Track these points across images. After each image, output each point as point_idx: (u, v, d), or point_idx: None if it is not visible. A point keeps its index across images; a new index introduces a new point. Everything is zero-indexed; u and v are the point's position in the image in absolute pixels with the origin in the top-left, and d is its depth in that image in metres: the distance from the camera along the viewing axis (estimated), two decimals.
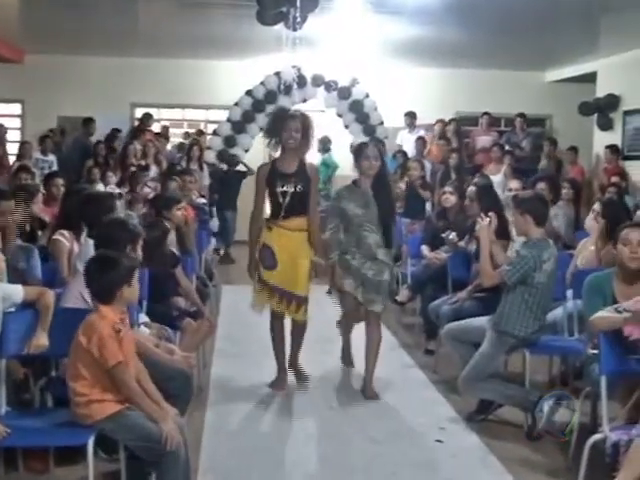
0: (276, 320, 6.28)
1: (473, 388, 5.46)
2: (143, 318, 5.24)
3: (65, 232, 5.72)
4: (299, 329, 6.34)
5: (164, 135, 14.53)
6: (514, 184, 8.95)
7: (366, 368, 6.20)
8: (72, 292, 4.68)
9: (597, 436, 4.08)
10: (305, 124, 5.99)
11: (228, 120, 13.51)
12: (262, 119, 13.30)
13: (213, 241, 10.52)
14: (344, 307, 6.37)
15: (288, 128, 5.91)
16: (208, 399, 5.96)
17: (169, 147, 14.56)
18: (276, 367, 6.34)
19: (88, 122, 13.82)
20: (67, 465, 4.44)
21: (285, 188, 5.94)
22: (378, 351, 6.21)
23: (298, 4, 8.42)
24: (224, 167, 13.27)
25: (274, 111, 6.50)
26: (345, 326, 6.78)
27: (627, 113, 13.31)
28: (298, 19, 8.88)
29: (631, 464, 3.62)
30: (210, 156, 13.35)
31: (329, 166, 14.44)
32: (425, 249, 7.95)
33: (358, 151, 6.21)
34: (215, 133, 13.78)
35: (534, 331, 5.35)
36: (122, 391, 3.85)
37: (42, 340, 4.17)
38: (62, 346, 4.01)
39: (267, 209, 6.30)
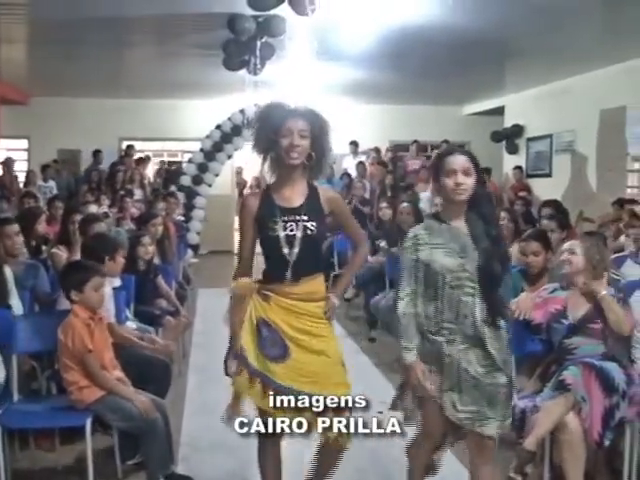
0: (269, 441, 3.21)
1: None
2: (132, 325, 5.18)
3: (61, 246, 5.72)
4: (332, 455, 3.18)
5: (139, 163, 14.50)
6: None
7: None
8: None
9: None
10: (317, 125, 3.10)
11: (201, 150, 13.47)
12: (230, 149, 13.35)
13: (189, 252, 10.47)
14: (424, 425, 3.21)
15: (287, 131, 3.04)
16: (187, 383, 5.92)
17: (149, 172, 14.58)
18: None
19: (97, 154, 13.88)
20: (70, 443, 4.38)
21: (290, 231, 3.09)
22: None
23: (258, 53, 8.45)
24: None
25: (265, 105, 3.16)
26: (419, 456, 3.31)
27: (530, 140, 13.56)
28: (258, 65, 8.91)
29: (541, 424, 3.70)
30: (186, 180, 13.33)
31: None
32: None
33: (437, 164, 3.16)
34: (190, 161, 13.74)
35: None
36: (92, 378, 3.82)
37: None
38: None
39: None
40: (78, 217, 5.97)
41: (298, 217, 3.10)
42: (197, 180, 13.29)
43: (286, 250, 3.08)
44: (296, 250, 3.08)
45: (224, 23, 8.08)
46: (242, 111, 13.14)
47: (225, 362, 3.30)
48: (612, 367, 3.80)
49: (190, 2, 7.78)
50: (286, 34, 8.19)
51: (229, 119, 13.25)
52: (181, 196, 12.73)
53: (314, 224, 3.12)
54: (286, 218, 3.11)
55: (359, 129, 14.73)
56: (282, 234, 3.09)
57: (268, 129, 3.10)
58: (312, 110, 3.14)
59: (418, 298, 3.09)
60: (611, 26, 8.57)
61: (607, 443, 3.65)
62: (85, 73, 11.95)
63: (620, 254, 5.79)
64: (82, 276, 3.99)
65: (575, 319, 3.97)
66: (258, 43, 8.26)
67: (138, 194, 11.71)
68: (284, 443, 3.29)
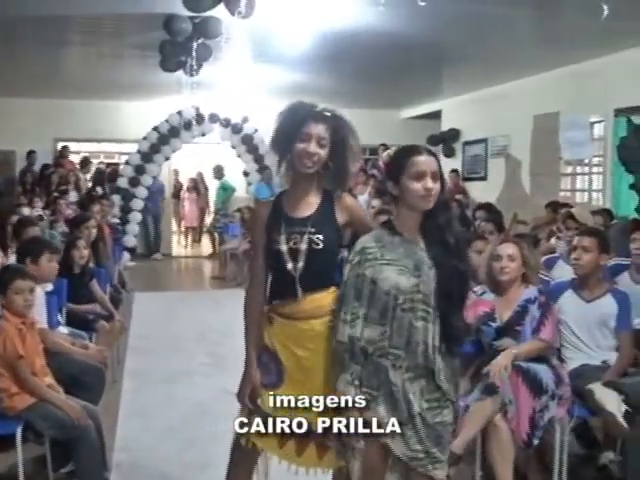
0: (242, 459, 2.94)
1: None
2: (64, 331, 5.07)
3: None
4: None
5: (84, 165, 14.29)
6: (375, 202, 9.15)
7: None
8: None
9: None
10: (340, 132, 2.84)
11: (138, 152, 13.34)
12: (167, 150, 13.26)
13: (126, 255, 10.36)
14: (366, 462, 2.76)
15: (306, 135, 2.79)
16: (122, 389, 5.82)
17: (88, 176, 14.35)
18: None
19: (31, 154, 13.66)
20: (2, 452, 4.17)
21: (294, 244, 2.82)
22: None
23: (194, 54, 8.41)
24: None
25: (289, 106, 2.88)
26: None
27: (466, 143, 13.81)
28: (194, 67, 8.87)
29: (470, 423, 3.75)
30: (123, 182, 13.19)
31: (227, 189, 14.52)
32: None
33: (399, 164, 2.75)
34: (127, 163, 13.59)
35: None
36: (23, 384, 3.73)
37: None
38: None
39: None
40: (14, 219, 5.88)
41: (304, 229, 2.81)
42: (134, 182, 13.16)
43: (290, 265, 2.81)
44: (301, 265, 2.80)
45: (161, 24, 8.03)
46: (180, 112, 13.09)
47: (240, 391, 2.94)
48: (541, 368, 3.86)
49: (127, 2, 7.68)
50: (223, 36, 8.17)
51: (166, 121, 13.17)
52: (117, 198, 12.63)
53: (320, 237, 2.81)
54: (291, 230, 2.83)
55: None
56: (285, 247, 2.82)
57: (286, 130, 2.83)
58: (338, 116, 2.87)
59: (360, 320, 2.67)
60: (544, 35, 8.78)
61: (536, 443, 3.72)
62: (19, 72, 11.67)
63: (552, 255, 5.93)
64: (3, 279, 3.91)
65: (502, 321, 4.05)
66: (194, 44, 8.20)
67: (73, 196, 11.53)
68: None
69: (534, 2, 7.38)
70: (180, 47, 8.42)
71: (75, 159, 14.56)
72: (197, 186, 16.65)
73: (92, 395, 4.14)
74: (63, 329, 4.94)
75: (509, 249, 4.12)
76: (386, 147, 14.52)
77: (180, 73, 9.39)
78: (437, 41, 9.02)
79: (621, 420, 3.64)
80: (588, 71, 9.71)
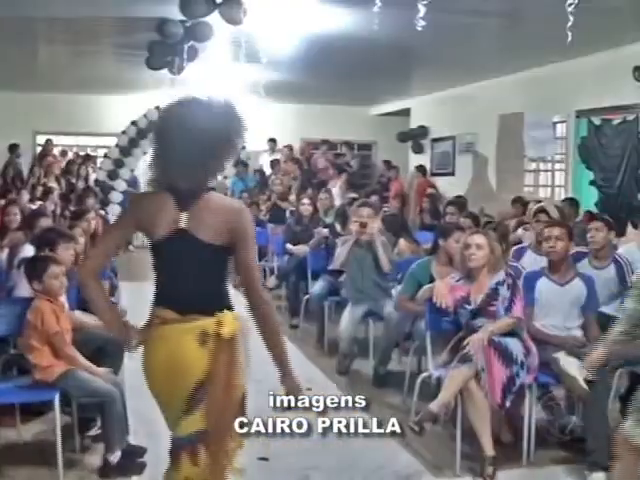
0: None
1: None
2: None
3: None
4: None
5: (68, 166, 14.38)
6: (352, 195, 9.74)
7: None
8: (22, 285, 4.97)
9: (425, 374, 4.71)
10: None
11: (116, 145, 13.66)
12: (146, 145, 13.59)
13: None
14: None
15: None
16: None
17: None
18: None
19: (14, 147, 13.94)
20: (28, 422, 4.70)
21: None
22: None
23: (184, 56, 8.72)
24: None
25: None
26: None
27: (434, 140, 14.28)
28: (181, 67, 9.19)
29: (448, 386, 4.30)
30: (101, 175, 13.53)
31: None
32: (289, 246, 8.36)
33: None
34: (106, 156, 13.91)
35: None
36: (61, 354, 4.18)
37: None
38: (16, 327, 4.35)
39: None
40: None
41: None
42: (113, 175, 13.49)
43: None
44: None
45: (148, 26, 8.28)
46: (158, 108, 13.42)
47: None
48: (511, 341, 4.41)
49: (115, 5, 7.91)
50: (211, 38, 8.46)
51: (145, 116, 13.49)
52: (96, 191, 12.90)
53: None
54: None
55: (275, 127, 15.19)
56: None
57: None
58: None
59: None
60: (509, 41, 9.31)
61: (508, 404, 4.29)
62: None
63: (521, 245, 6.45)
64: (38, 268, 4.35)
65: (476, 304, 4.60)
66: (185, 47, 8.50)
67: (56, 195, 11.73)
68: None
69: (500, 11, 7.85)
70: (169, 48, 8.72)
71: (55, 153, 14.65)
72: None
73: (114, 362, 4.54)
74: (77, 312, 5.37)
75: (477, 239, 4.65)
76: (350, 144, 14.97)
77: (163, 70, 9.68)
78: (408, 44, 9.43)
79: (582, 383, 4.21)
80: (551, 74, 10.28)
